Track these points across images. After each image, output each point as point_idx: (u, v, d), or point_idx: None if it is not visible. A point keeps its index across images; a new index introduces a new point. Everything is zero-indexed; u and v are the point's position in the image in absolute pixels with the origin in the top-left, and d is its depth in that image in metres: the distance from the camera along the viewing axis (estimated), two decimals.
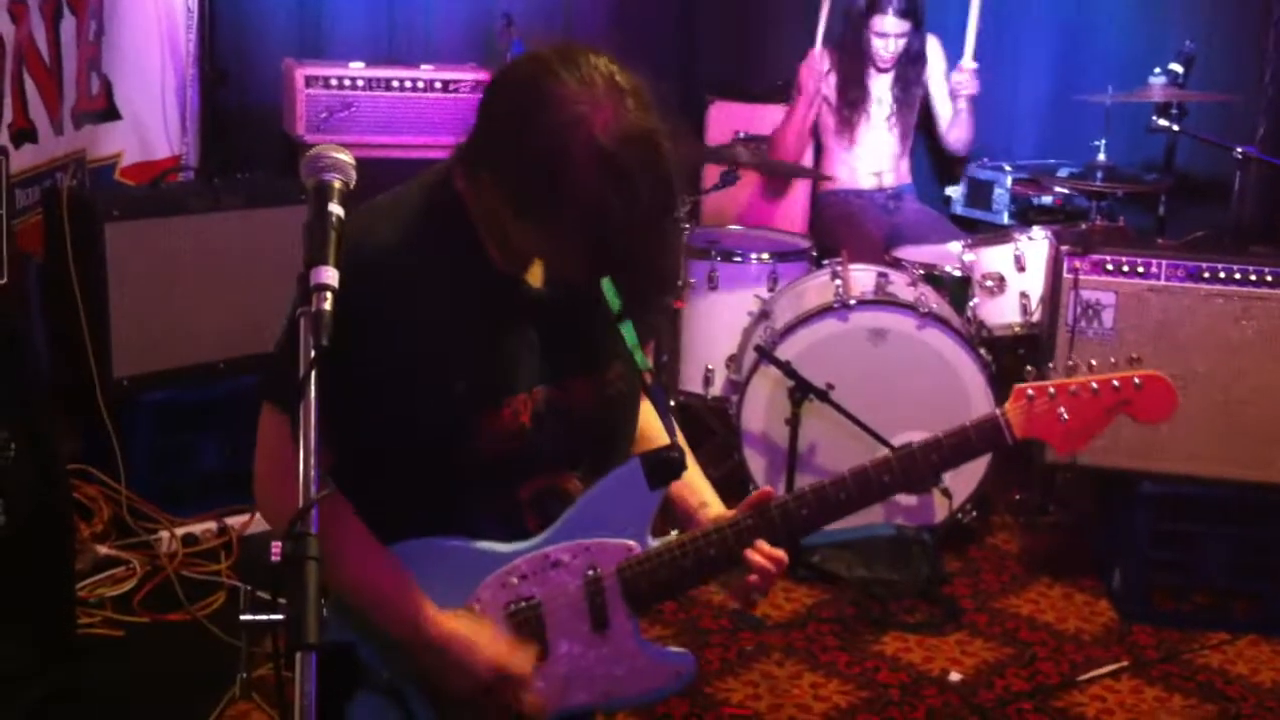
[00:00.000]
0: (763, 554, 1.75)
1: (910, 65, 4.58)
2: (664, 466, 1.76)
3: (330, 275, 1.49)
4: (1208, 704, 3.09)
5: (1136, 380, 1.83)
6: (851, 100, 4.59)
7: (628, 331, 1.77)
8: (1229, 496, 3.50)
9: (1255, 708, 3.08)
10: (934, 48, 4.68)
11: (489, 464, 1.70)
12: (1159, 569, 3.53)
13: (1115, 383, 1.82)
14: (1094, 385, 1.81)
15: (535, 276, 1.73)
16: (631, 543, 1.75)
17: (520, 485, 1.74)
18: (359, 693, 1.69)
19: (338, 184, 1.58)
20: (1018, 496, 4.02)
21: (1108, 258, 3.57)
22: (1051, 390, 1.82)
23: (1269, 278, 3.51)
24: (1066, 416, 1.81)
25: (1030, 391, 1.82)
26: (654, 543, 1.76)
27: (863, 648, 3.27)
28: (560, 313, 1.73)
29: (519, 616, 1.73)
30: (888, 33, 4.51)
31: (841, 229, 4.49)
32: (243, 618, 2.75)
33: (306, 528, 1.36)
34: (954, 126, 4.69)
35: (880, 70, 4.59)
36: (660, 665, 1.79)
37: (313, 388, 1.41)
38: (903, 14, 4.48)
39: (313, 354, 1.42)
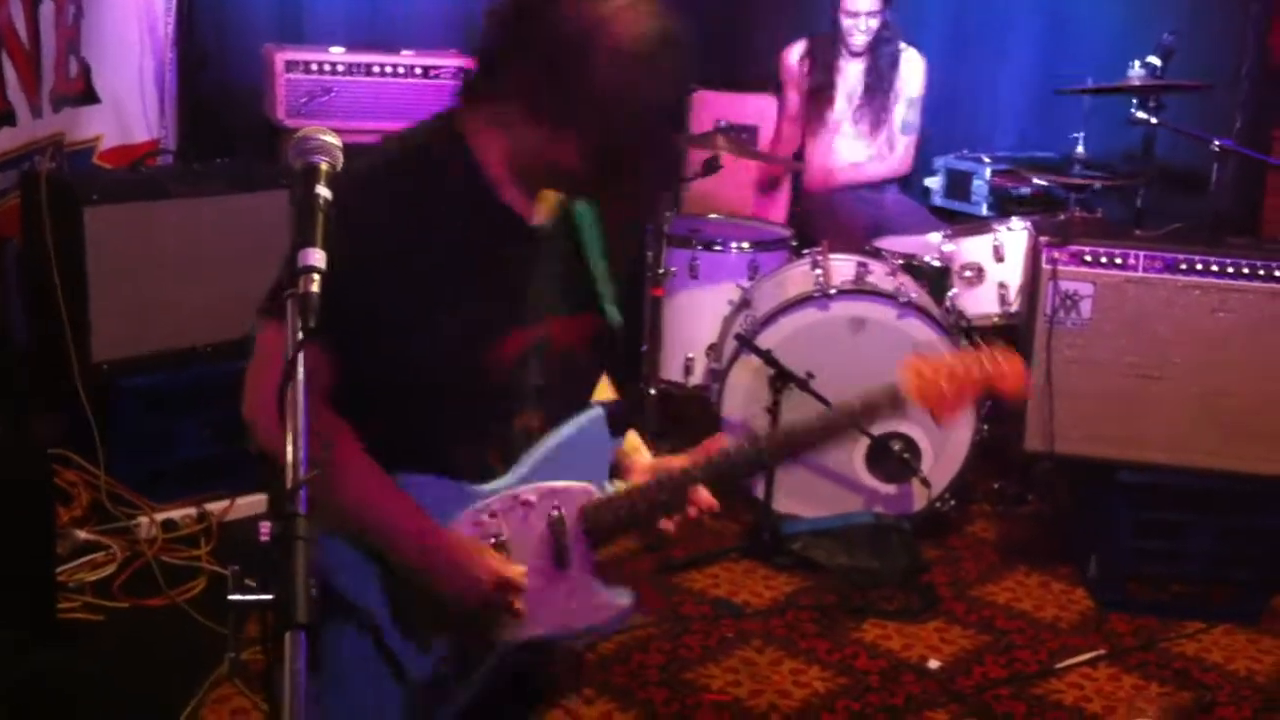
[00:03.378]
0: (700, 501, 1.86)
1: (884, 50, 4.56)
2: (623, 415, 1.90)
3: (317, 257, 1.49)
4: (1184, 691, 3.12)
5: (995, 356, 2.03)
6: (817, 86, 4.58)
7: (604, 283, 1.87)
8: (1206, 486, 3.53)
9: (1231, 696, 3.11)
10: (914, 62, 4.65)
11: (478, 397, 1.78)
12: (1136, 558, 3.56)
13: (982, 359, 2.02)
14: (966, 361, 2.02)
15: (540, 215, 1.79)
16: (592, 486, 1.86)
17: (495, 421, 1.82)
18: (331, 623, 1.73)
19: (325, 166, 1.57)
20: (996, 486, 4.04)
21: (1085, 249, 3.59)
22: (936, 364, 2.02)
23: (1245, 270, 3.54)
24: (946, 388, 1.99)
25: (919, 364, 2.02)
26: (610, 486, 1.88)
27: (842, 635, 3.28)
28: (560, 252, 1.83)
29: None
30: (858, 10, 4.49)
31: (821, 219, 4.51)
32: (230, 598, 2.74)
33: (296, 508, 1.36)
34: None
35: (853, 54, 4.58)
36: (608, 603, 1.89)
37: (300, 370, 1.41)
38: None
39: (300, 336, 1.42)
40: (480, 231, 1.75)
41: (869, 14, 4.50)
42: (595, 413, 1.87)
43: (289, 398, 1.42)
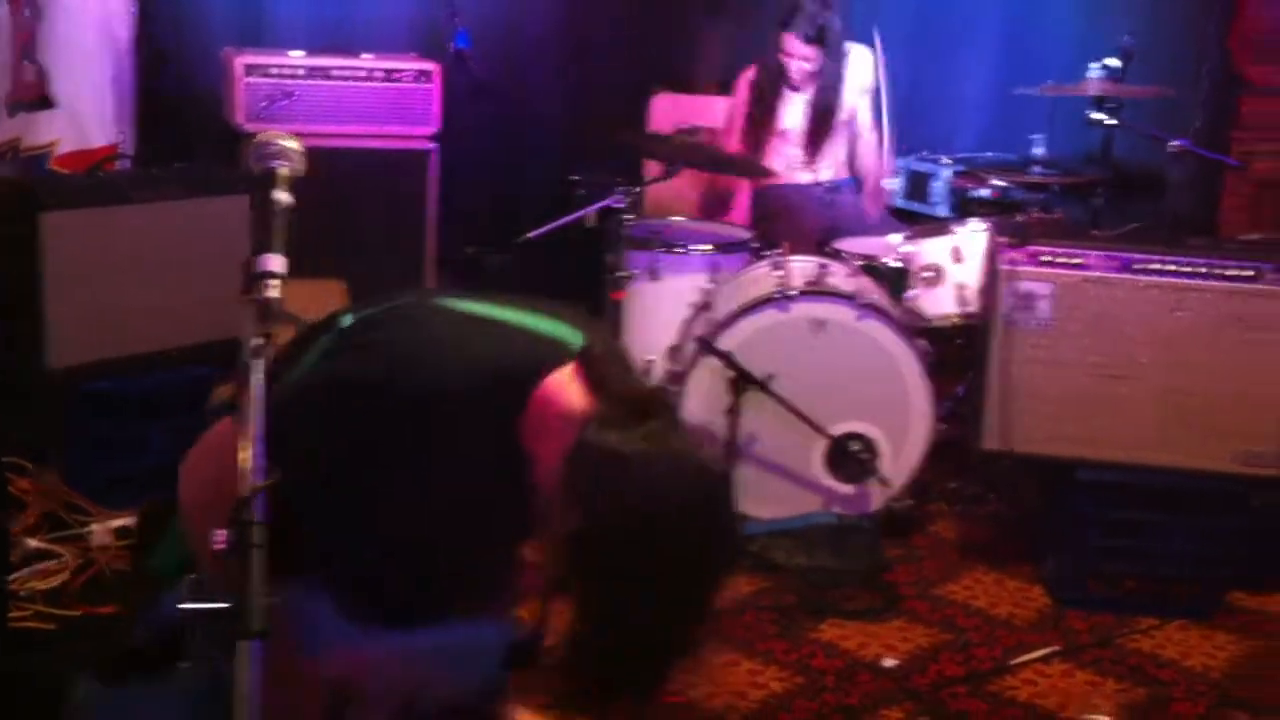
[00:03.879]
0: None
1: (828, 93, 4.57)
2: (522, 652, 1.86)
3: (276, 263, 1.50)
4: (1139, 687, 3.15)
5: None
6: (758, 121, 4.59)
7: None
8: (1163, 484, 3.57)
9: (1186, 691, 3.14)
10: (862, 59, 4.66)
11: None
12: (1093, 555, 3.59)
13: None
14: None
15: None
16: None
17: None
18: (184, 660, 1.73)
19: (284, 171, 1.58)
20: (953, 485, 4.08)
21: (1044, 249, 3.63)
22: None
23: (1204, 269, 3.58)
24: None
25: None
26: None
27: (800, 635, 3.30)
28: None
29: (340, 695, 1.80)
30: (794, 54, 4.51)
31: (780, 222, 4.53)
32: (180, 606, 2.74)
33: (251, 515, 1.36)
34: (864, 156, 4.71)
35: (794, 89, 4.60)
36: None
37: (260, 374, 1.42)
38: (809, 40, 4.48)
39: (258, 341, 1.43)
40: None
41: (805, 59, 4.50)
42: (503, 629, 1.85)
43: (246, 403, 1.43)
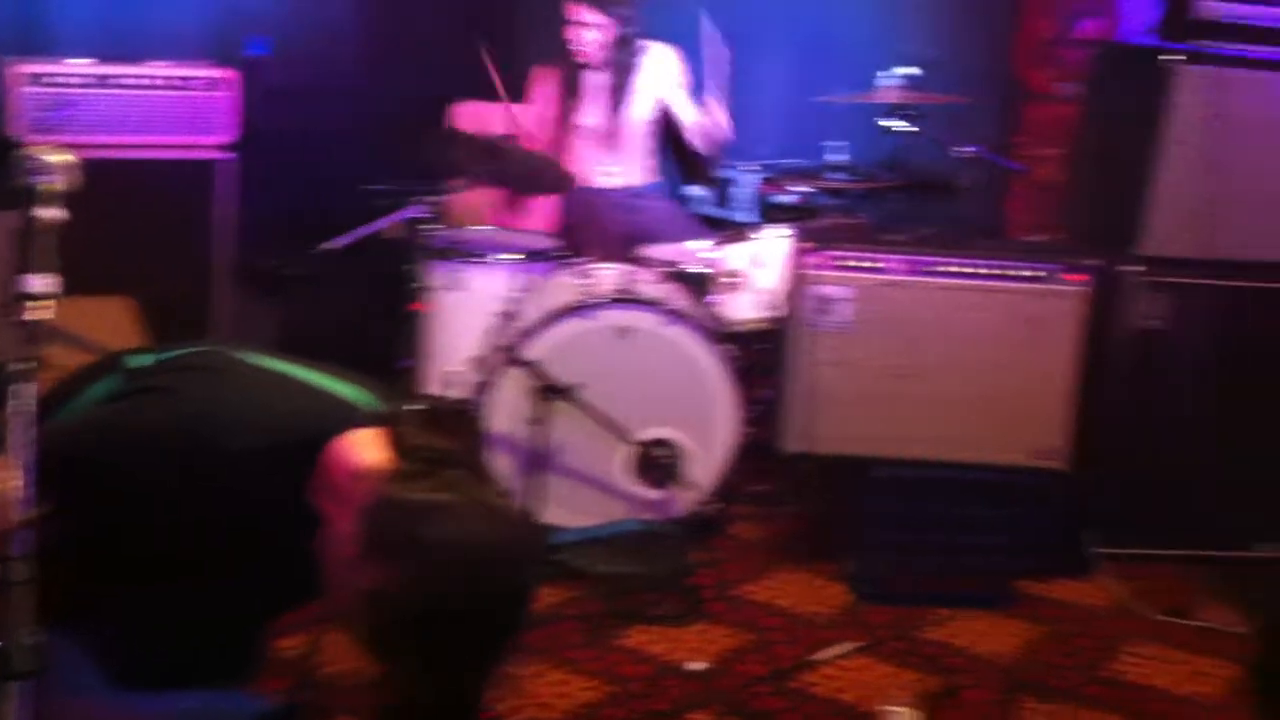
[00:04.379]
0: None
1: (624, 66, 4.58)
2: None
3: (41, 283, 1.45)
4: (933, 676, 3.26)
5: None
6: (559, 121, 4.59)
7: None
8: (958, 478, 3.70)
9: (978, 679, 3.25)
10: (665, 57, 4.70)
11: None
12: (891, 551, 3.70)
13: None
14: None
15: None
16: None
17: None
18: None
19: (50, 187, 1.53)
20: (759, 487, 4.15)
21: (844, 253, 3.73)
22: None
23: (993, 270, 3.74)
24: None
25: None
26: None
27: (607, 643, 3.31)
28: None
29: None
30: (584, 21, 4.52)
31: (585, 228, 4.55)
32: None
33: (13, 551, 1.32)
34: (699, 130, 4.74)
35: (590, 67, 4.61)
36: None
37: (27, 399, 1.37)
38: (596, 4, 4.49)
39: (24, 365, 1.38)
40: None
41: (596, 26, 4.51)
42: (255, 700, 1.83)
43: (11, 430, 1.38)
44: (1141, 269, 3.86)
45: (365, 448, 1.67)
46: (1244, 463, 3.82)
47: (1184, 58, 3.81)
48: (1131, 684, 3.30)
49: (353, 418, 1.73)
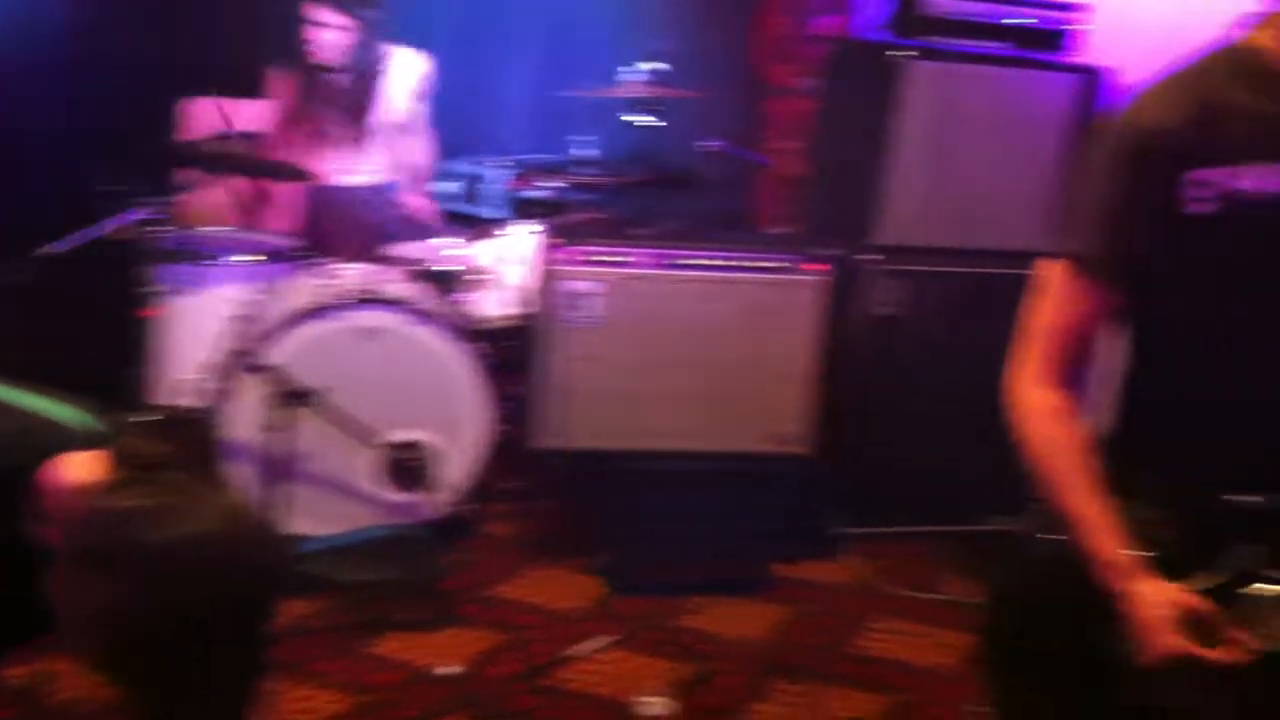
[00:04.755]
0: None
1: (368, 69, 4.48)
2: None
3: None
4: (687, 664, 3.29)
5: None
6: (299, 119, 4.46)
7: None
8: (709, 468, 3.76)
9: (733, 664, 3.30)
10: (411, 61, 4.61)
11: None
12: (645, 542, 3.73)
13: None
14: None
15: None
16: None
17: None
18: None
19: None
20: (512, 485, 4.12)
21: (593, 248, 3.74)
22: None
23: (736, 262, 3.80)
24: None
25: None
26: None
27: (357, 653, 3.24)
28: None
29: None
30: (323, 22, 4.40)
31: (329, 228, 4.42)
32: None
33: None
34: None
35: (330, 69, 4.50)
36: None
37: None
38: (338, 3, 4.38)
39: None
40: None
41: (338, 28, 4.40)
42: None
43: None
44: (878, 258, 3.99)
45: (80, 468, 1.58)
46: (977, 441, 3.99)
47: (913, 53, 3.95)
48: (877, 659, 3.41)
49: (67, 440, 1.63)
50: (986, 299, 4.00)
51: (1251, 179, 1.66)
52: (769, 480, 3.84)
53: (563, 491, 4.13)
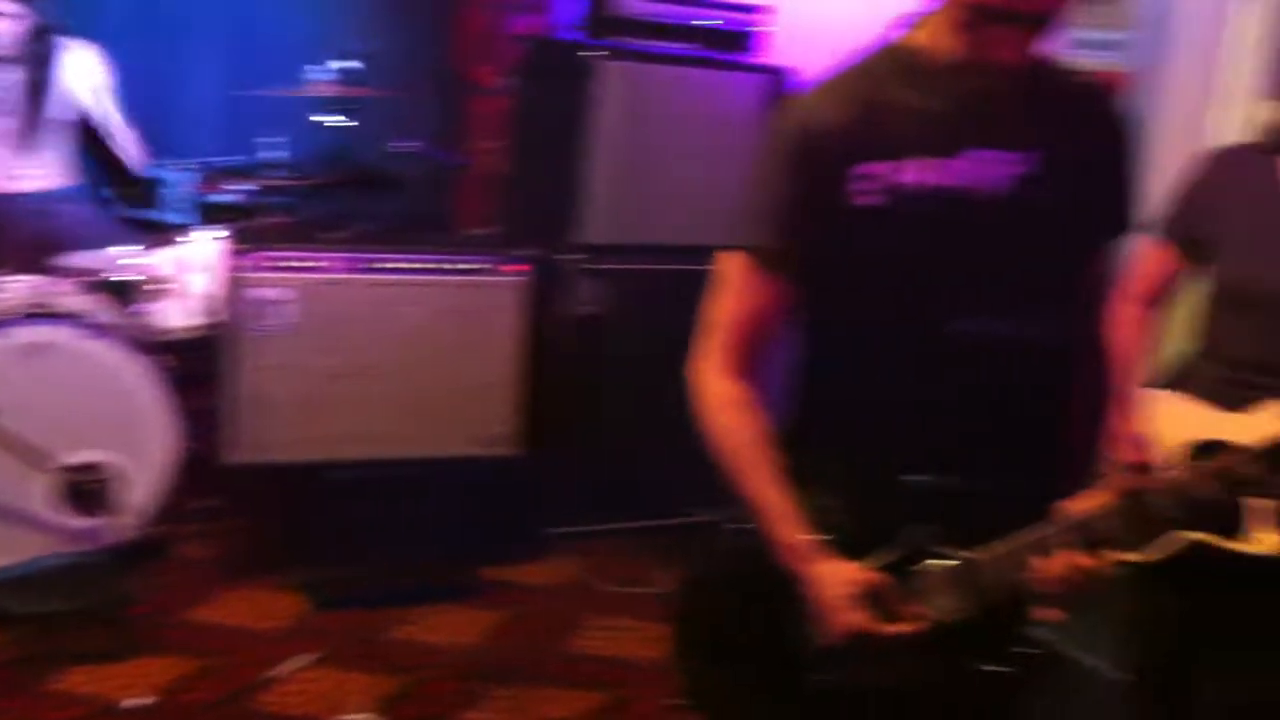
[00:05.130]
0: None
1: (40, 61, 4.21)
2: None
3: None
4: (396, 676, 3.21)
5: None
6: None
7: None
8: (413, 475, 3.68)
9: (441, 671, 3.25)
10: (86, 57, 4.35)
11: None
12: (349, 554, 3.63)
13: None
14: None
15: None
16: None
17: None
18: None
19: None
20: (204, 503, 3.93)
21: (282, 254, 3.60)
22: None
23: (431, 265, 3.74)
24: None
25: None
26: None
27: (35, 689, 3.01)
28: None
29: None
30: None
31: None
32: None
33: None
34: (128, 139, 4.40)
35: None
36: None
37: None
38: None
39: None
40: None
41: (9, 16, 4.11)
42: None
43: None
44: (578, 257, 4.00)
45: None
46: (683, 434, 4.05)
47: (604, 54, 3.98)
48: (590, 657, 3.42)
49: None
50: (685, 295, 4.02)
51: (913, 172, 1.73)
52: (476, 484, 3.79)
53: (260, 507, 3.96)
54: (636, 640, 3.50)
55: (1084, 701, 3.44)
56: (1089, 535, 1.67)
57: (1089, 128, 1.80)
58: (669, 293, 4.06)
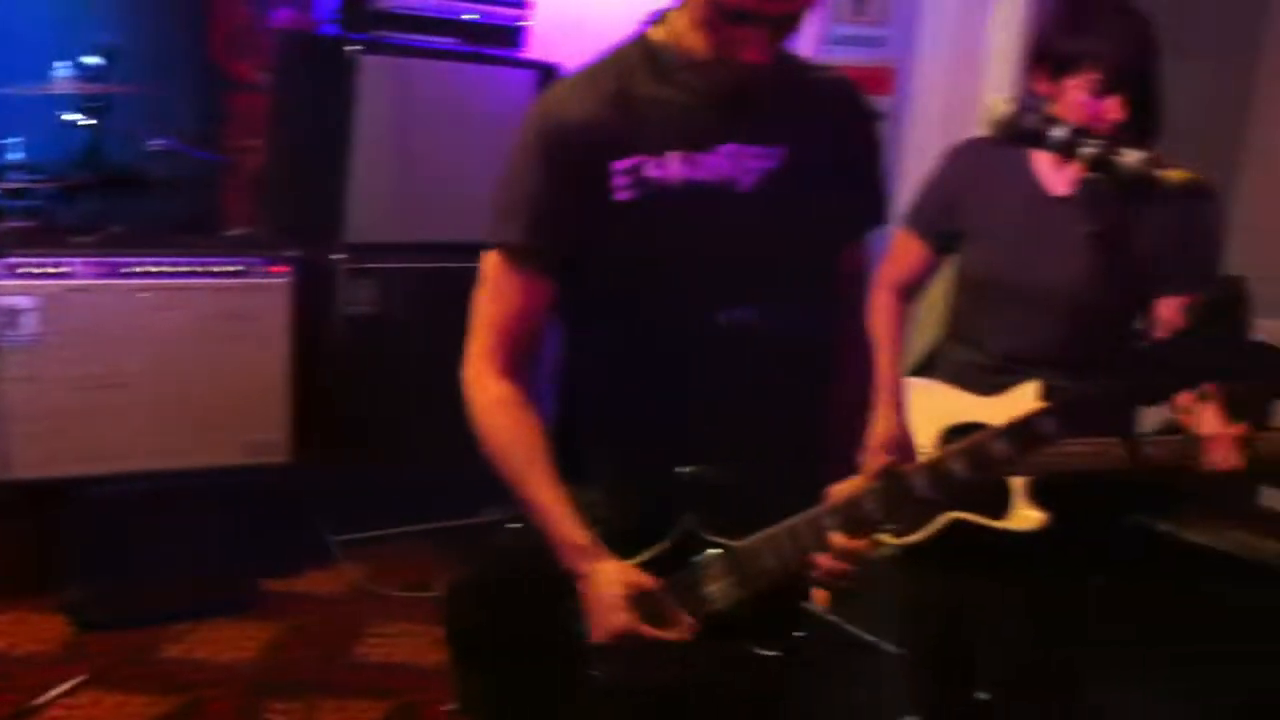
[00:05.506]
0: None
1: None
2: None
3: None
4: (171, 696, 3.10)
5: None
6: None
7: None
8: (182, 486, 3.55)
9: (219, 689, 3.15)
10: None
11: None
12: (117, 572, 3.47)
13: None
14: None
15: None
16: None
17: None
18: None
19: None
20: None
21: (24, 260, 3.42)
22: None
23: (194, 268, 3.60)
24: None
25: None
26: None
27: None
28: None
29: None
30: None
31: None
32: None
33: None
34: None
35: None
36: None
37: None
38: None
39: None
40: None
41: None
42: None
43: None
44: (344, 257, 3.92)
45: None
46: (461, 435, 4.02)
47: (363, 48, 3.90)
48: (377, 664, 3.37)
49: None
50: (459, 293, 4.00)
51: (667, 167, 1.75)
52: (251, 493, 3.67)
53: (14, 526, 3.76)
54: (423, 645, 3.46)
55: (866, 678, 3.57)
56: (853, 518, 1.73)
57: (836, 123, 1.85)
58: (442, 291, 4.03)
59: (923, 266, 2.80)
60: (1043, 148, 1.63)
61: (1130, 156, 1.57)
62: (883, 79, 4.61)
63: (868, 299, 2.01)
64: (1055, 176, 2.45)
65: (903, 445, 2.60)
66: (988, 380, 2.63)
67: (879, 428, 2.72)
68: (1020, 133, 1.64)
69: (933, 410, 2.75)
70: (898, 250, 2.83)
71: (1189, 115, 2.61)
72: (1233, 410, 2.43)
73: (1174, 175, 1.53)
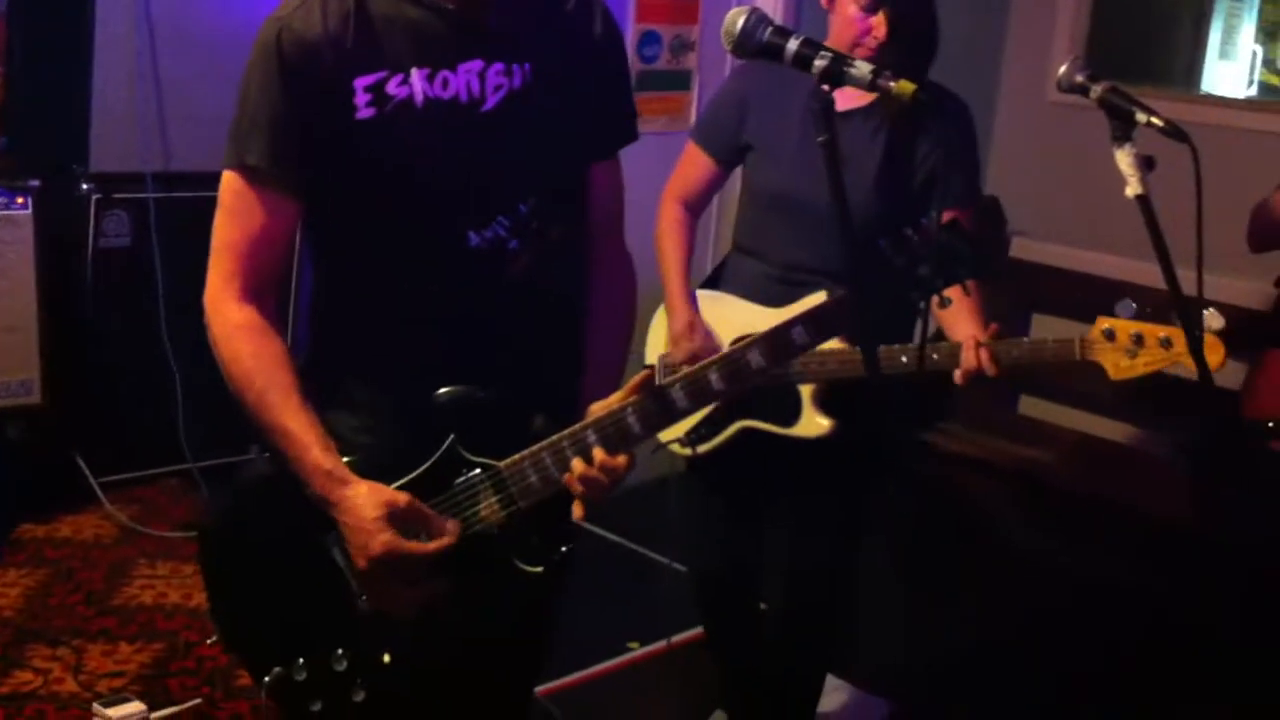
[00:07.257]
0: None
1: None
2: None
3: None
4: None
5: None
6: None
7: None
8: None
9: None
10: None
11: None
12: None
13: None
14: None
15: None
16: None
17: None
18: None
19: None
20: None
21: None
22: None
23: None
24: None
25: None
26: None
27: None
28: None
29: None
30: None
31: None
32: None
33: None
34: None
35: None
36: None
37: None
38: None
39: None
40: None
41: None
42: None
43: None
44: (91, 187, 3.74)
45: None
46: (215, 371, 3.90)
47: None
48: (144, 606, 3.28)
49: None
50: (208, 222, 3.89)
51: (410, 84, 1.73)
52: (4, 436, 3.52)
53: None
54: (194, 585, 3.37)
55: (647, 594, 3.65)
56: (615, 433, 1.75)
57: (583, 41, 1.85)
58: (200, 223, 3.88)
59: (710, 180, 2.85)
60: (779, 61, 1.66)
61: (860, 69, 1.62)
62: (689, 10, 4.65)
63: (622, 215, 2.02)
64: (837, 93, 2.53)
65: (704, 347, 2.64)
66: (775, 291, 2.69)
67: (673, 328, 2.77)
68: (756, 47, 1.66)
69: (722, 321, 2.80)
70: (686, 164, 2.86)
71: (951, 48, 2.73)
72: (985, 316, 2.56)
73: (901, 86, 1.58)
